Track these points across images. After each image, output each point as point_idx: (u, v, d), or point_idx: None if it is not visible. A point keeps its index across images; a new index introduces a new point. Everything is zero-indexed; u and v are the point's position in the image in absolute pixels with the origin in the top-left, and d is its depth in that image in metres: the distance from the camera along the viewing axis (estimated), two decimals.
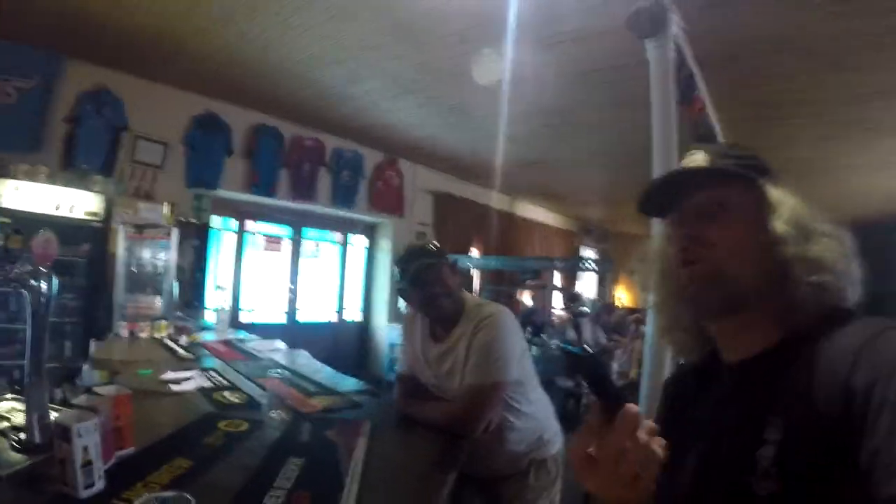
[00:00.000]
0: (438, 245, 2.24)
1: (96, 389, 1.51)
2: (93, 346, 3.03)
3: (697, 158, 0.95)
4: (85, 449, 1.17)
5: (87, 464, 1.18)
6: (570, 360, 0.81)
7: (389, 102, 5.69)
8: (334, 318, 8.12)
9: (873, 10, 3.35)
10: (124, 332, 3.46)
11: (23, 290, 1.37)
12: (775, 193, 0.90)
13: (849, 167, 7.08)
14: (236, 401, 2.12)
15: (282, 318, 7.37)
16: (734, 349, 0.92)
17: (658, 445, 0.73)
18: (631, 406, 0.72)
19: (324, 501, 1.27)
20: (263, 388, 2.28)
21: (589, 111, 5.56)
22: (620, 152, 6.82)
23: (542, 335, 7.05)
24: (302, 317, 7.61)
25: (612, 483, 0.73)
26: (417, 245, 2.25)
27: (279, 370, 2.10)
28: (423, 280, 2.10)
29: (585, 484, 0.77)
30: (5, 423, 1.49)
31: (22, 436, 1.37)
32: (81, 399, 1.39)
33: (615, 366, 7.11)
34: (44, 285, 1.40)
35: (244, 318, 6.81)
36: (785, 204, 0.88)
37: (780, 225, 0.85)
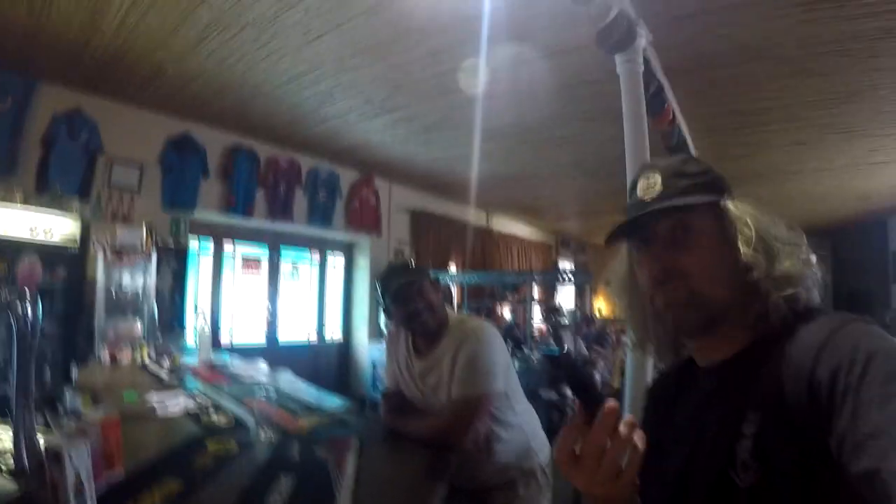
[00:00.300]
0: (418, 262, 2.27)
1: (83, 414, 1.50)
2: (74, 371, 2.99)
3: (654, 183, 0.97)
4: (77, 473, 1.17)
5: (79, 488, 1.17)
6: (550, 362, 0.83)
7: (365, 122, 5.72)
8: (315, 339, 8.06)
9: (840, 16, 3.46)
10: (106, 357, 3.41)
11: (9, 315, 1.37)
12: (734, 209, 0.94)
13: (823, 170, 7.26)
14: (223, 422, 2.12)
15: (262, 340, 7.29)
16: (709, 355, 0.96)
17: (639, 440, 0.75)
18: (610, 403, 0.74)
19: None
20: (250, 409, 2.28)
21: (563, 125, 5.64)
22: (595, 165, 6.93)
23: (523, 349, 7.07)
24: (282, 338, 7.54)
25: (596, 480, 0.75)
26: (398, 263, 2.28)
27: (264, 391, 2.09)
28: (405, 297, 2.12)
29: (573, 482, 0.79)
30: None
31: (11, 461, 1.36)
32: (70, 423, 1.38)
33: (598, 376, 7.14)
34: (30, 310, 1.39)
35: (224, 340, 6.73)
36: (746, 222, 0.91)
37: (745, 249, 0.89)
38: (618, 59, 3.24)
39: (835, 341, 0.75)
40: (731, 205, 0.95)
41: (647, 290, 0.97)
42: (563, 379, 0.82)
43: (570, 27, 3.63)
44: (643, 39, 3.24)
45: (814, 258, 0.92)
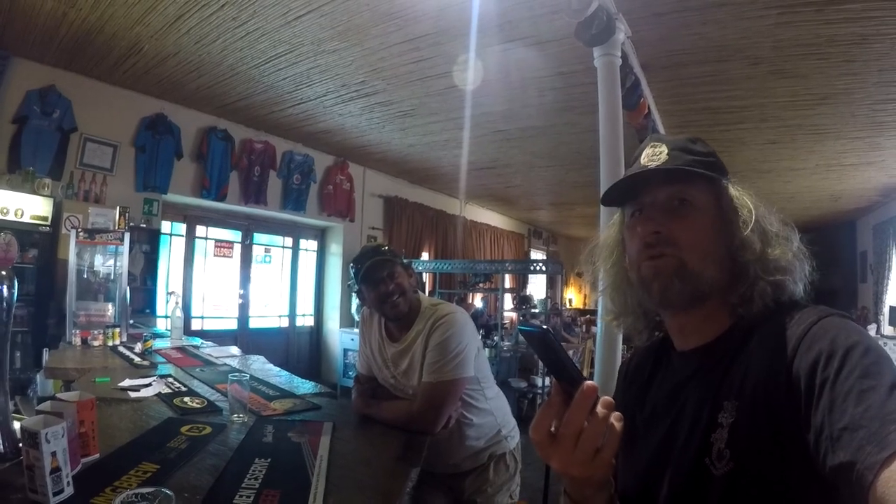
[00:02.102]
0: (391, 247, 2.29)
1: (59, 395, 1.49)
2: (46, 354, 2.95)
3: (661, 153, 0.97)
4: (53, 455, 1.15)
5: (56, 470, 1.15)
6: (528, 338, 0.82)
7: (341, 105, 5.70)
8: (286, 324, 8.05)
9: (818, 19, 3.53)
10: (77, 341, 3.37)
11: None
12: (733, 192, 0.96)
13: (795, 170, 7.40)
14: (197, 406, 2.12)
15: (233, 325, 7.27)
16: (688, 337, 0.97)
17: (616, 420, 0.75)
18: (589, 383, 0.73)
19: (292, 498, 1.29)
20: (223, 393, 2.28)
21: (538, 115, 5.67)
22: (568, 157, 6.99)
23: (493, 337, 7.11)
24: (254, 323, 7.52)
25: (573, 460, 0.74)
26: (372, 245, 2.28)
27: (237, 375, 2.09)
28: (378, 279, 2.13)
29: (548, 462, 0.78)
30: None
31: None
32: (46, 405, 1.37)
33: None
34: (5, 290, 1.38)
35: (196, 324, 6.71)
36: (744, 205, 0.93)
37: (742, 229, 0.91)
38: (595, 51, 3.27)
39: (813, 334, 0.76)
40: (731, 187, 0.97)
41: (635, 257, 0.97)
42: (541, 356, 0.81)
43: (549, 18, 3.65)
44: (622, 34, 3.27)
45: (805, 253, 0.93)
